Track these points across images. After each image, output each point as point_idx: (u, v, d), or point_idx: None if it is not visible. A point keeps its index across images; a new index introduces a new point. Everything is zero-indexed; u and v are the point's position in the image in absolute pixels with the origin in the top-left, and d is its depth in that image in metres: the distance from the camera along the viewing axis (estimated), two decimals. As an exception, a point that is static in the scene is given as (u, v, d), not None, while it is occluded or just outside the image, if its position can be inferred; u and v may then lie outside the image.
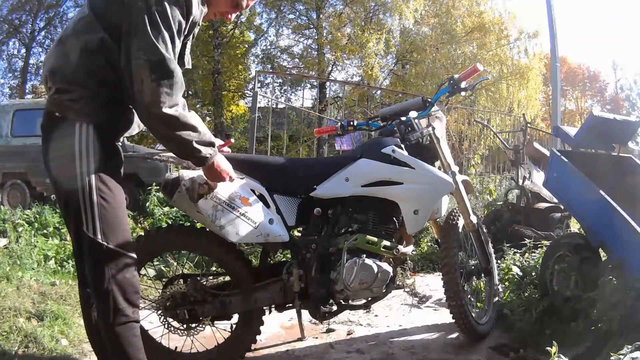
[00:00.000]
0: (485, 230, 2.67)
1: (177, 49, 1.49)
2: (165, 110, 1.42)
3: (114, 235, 1.51)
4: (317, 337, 2.60)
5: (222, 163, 1.68)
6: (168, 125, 1.45)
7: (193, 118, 1.50)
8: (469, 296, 2.54)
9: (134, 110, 1.59)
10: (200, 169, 1.85)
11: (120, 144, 1.64)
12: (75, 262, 1.66)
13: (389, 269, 2.14)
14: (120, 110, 1.56)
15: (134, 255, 1.56)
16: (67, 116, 1.47)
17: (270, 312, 2.19)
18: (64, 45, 1.50)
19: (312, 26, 16.24)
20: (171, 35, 1.43)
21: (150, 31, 1.39)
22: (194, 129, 1.50)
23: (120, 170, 1.61)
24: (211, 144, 1.57)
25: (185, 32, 1.54)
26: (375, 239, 2.11)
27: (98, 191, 1.48)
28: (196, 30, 1.66)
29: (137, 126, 1.66)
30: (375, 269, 2.09)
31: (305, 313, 2.24)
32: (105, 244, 1.49)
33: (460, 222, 2.49)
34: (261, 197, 2.01)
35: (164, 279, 2.52)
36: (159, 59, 1.40)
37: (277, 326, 2.71)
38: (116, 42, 1.45)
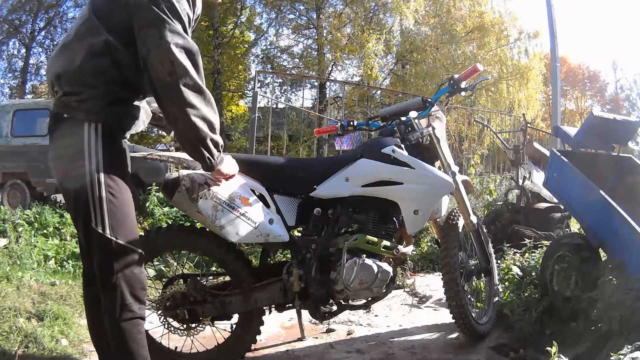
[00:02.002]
0: (485, 230, 2.67)
1: None
2: (200, 82, 1.47)
3: (122, 230, 1.53)
4: (317, 337, 2.60)
5: (228, 166, 1.73)
6: (201, 100, 1.48)
7: (214, 101, 1.56)
8: (469, 296, 2.54)
9: (138, 108, 1.63)
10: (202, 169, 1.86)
11: (126, 141, 1.66)
12: (82, 260, 1.68)
13: (389, 269, 2.14)
14: (126, 108, 1.60)
15: (142, 251, 1.58)
16: (75, 117, 1.50)
17: (270, 312, 2.19)
18: (68, 50, 1.53)
19: (312, 26, 16.23)
20: (183, 27, 1.47)
21: (167, 20, 1.43)
22: (216, 112, 1.55)
23: (127, 167, 1.64)
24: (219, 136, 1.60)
25: (192, 26, 1.58)
26: (375, 239, 2.11)
27: (107, 187, 1.50)
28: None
29: (142, 124, 1.69)
30: (375, 269, 2.09)
31: (305, 313, 2.24)
32: (114, 239, 1.51)
33: (460, 222, 2.49)
34: (261, 197, 2.01)
35: (164, 279, 2.52)
36: (184, 42, 1.45)
37: (277, 326, 2.71)
38: (122, 42, 1.49)
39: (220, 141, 1.58)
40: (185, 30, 1.48)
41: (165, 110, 1.52)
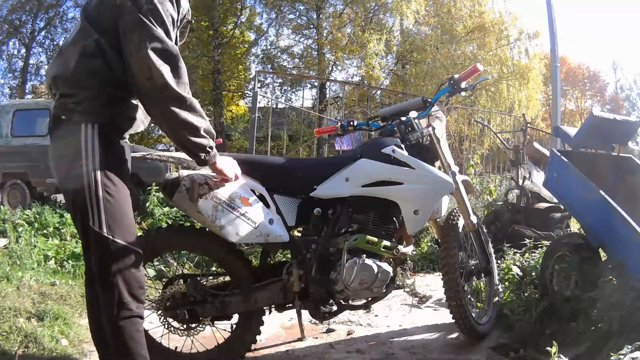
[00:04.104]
0: (485, 230, 2.67)
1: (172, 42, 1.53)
2: (179, 90, 1.48)
3: (119, 229, 1.54)
4: (317, 337, 2.60)
5: (225, 162, 1.76)
6: (180, 106, 1.49)
7: (198, 105, 1.57)
8: (469, 296, 2.54)
9: (136, 108, 1.65)
10: (202, 169, 1.87)
11: (126, 141, 1.67)
12: (84, 259, 1.69)
13: (389, 269, 2.14)
14: (122, 108, 1.61)
15: (140, 250, 1.59)
16: (73, 118, 1.52)
17: (270, 312, 2.19)
18: (63, 55, 1.57)
19: (312, 26, 16.22)
20: (165, 30, 1.49)
21: (147, 24, 1.44)
22: (202, 115, 1.56)
23: (126, 167, 1.65)
24: (212, 136, 1.62)
25: (179, 26, 1.60)
26: (375, 239, 2.10)
27: (104, 186, 1.52)
28: (186, 31, 1.72)
29: (141, 123, 1.70)
30: (375, 269, 2.09)
31: (305, 313, 2.24)
32: (111, 237, 1.52)
33: (460, 222, 2.49)
34: (261, 197, 2.01)
35: (164, 279, 2.52)
36: (163, 46, 1.46)
37: (277, 326, 2.71)
38: (110, 44, 1.51)
39: (206, 142, 1.58)
40: (168, 33, 1.49)
41: (148, 112, 1.57)
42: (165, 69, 1.45)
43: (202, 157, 1.61)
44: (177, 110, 1.49)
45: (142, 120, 1.69)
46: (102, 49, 1.51)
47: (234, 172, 1.83)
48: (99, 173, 1.51)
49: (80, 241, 3.10)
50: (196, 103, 1.55)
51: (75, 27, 1.60)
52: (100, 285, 1.54)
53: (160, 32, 1.46)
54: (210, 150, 1.61)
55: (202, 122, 1.56)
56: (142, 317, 1.58)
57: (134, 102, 1.64)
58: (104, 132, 1.53)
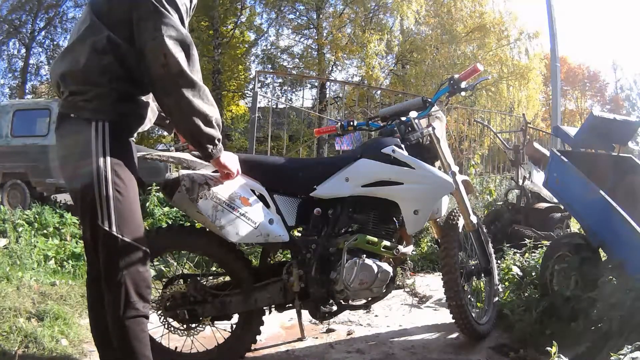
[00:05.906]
0: (485, 230, 2.67)
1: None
2: (194, 76, 1.48)
3: (128, 228, 1.54)
4: (317, 337, 2.60)
5: (228, 157, 1.75)
6: (194, 94, 1.49)
7: (210, 94, 1.57)
8: (469, 296, 2.54)
9: (146, 106, 1.64)
10: (202, 169, 1.87)
11: (133, 140, 1.67)
12: (87, 258, 1.69)
13: (389, 269, 2.14)
14: (133, 106, 1.61)
15: (147, 250, 1.59)
16: (83, 116, 1.51)
17: (270, 312, 2.19)
18: (72, 52, 1.54)
19: (312, 26, 16.23)
20: (180, 18, 1.49)
21: (163, 12, 1.45)
22: (213, 104, 1.56)
23: (135, 165, 1.64)
24: (220, 128, 1.61)
25: (191, 14, 1.61)
26: (375, 239, 2.11)
27: (114, 185, 1.51)
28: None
29: (149, 122, 1.69)
30: (375, 269, 2.09)
31: (305, 313, 2.24)
32: (120, 236, 1.52)
33: (460, 222, 2.49)
34: (261, 197, 2.01)
35: (164, 279, 2.52)
36: (178, 34, 1.46)
37: (277, 326, 2.71)
38: (123, 36, 1.50)
39: (216, 134, 1.59)
40: (182, 21, 1.49)
41: (160, 102, 1.55)
42: (181, 56, 1.45)
43: (210, 150, 1.60)
44: (191, 97, 1.49)
45: (150, 118, 1.68)
46: (114, 44, 1.49)
47: (236, 167, 1.83)
48: (109, 171, 1.50)
49: (80, 241, 3.10)
50: (208, 92, 1.55)
51: (81, 24, 1.58)
52: (107, 284, 1.54)
53: (175, 19, 1.46)
54: (217, 143, 1.61)
55: (214, 112, 1.56)
56: (147, 317, 1.58)
57: (144, 99, 1.63)
58: (114, 130, 1.53)
